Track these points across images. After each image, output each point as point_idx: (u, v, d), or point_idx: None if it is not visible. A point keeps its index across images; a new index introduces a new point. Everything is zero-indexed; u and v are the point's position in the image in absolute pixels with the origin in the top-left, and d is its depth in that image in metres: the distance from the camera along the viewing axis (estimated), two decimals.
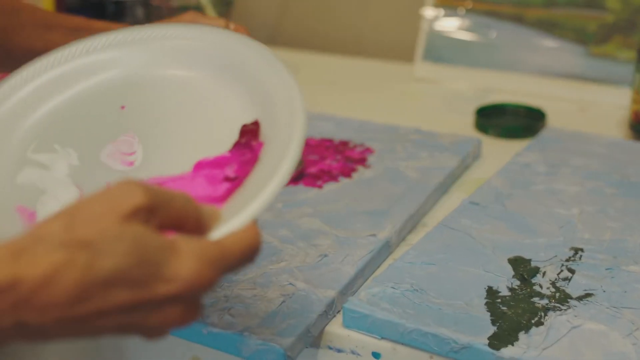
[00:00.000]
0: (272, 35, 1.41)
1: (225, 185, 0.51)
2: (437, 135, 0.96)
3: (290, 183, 0.85)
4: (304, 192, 0.84)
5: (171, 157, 0.55)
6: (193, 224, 0.45)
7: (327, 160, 0.90)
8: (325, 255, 0.73)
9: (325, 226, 0.77)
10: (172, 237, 0.43)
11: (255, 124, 0.54)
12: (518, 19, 1.16)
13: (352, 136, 0.97)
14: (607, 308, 0.65)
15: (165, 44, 0.59)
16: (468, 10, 1.19)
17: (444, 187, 0.87)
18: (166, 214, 0.44)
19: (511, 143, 0.99)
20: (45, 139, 0.56)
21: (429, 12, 1.21)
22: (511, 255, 0.72)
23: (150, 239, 0.42)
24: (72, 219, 0.41)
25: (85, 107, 0.57)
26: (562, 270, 0.70)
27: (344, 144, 0.94)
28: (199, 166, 0.53)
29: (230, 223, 0.46)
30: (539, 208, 0.80)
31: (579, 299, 0.66)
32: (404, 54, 1.29)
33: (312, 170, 0.88)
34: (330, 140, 0.95)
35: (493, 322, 0.63)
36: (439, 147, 0.93)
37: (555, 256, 0.72)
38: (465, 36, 1.19)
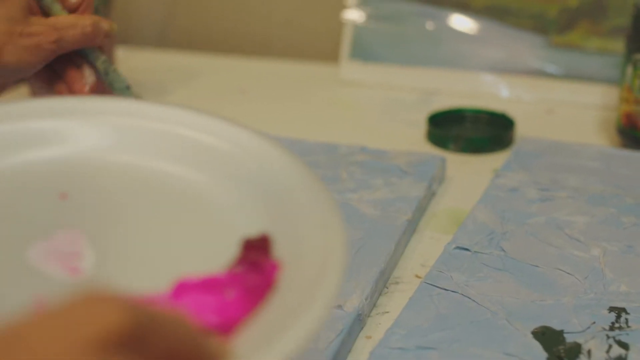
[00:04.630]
0: (161, 34, 1.17)
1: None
2: (390, 155, 0.75)
3: None
4: None
5: (137, 267, 0.39)
6: None
7: None
8: None
9: None
10: None
11: (263, 240, 0.40)
12: (463, 7, 0.96)
13: None
14: None
15: (138, 125, 0.46)
16: None
17: (412, 226, 0.67)
18: (156, 345, 0.28)
19: (477, 159, 0.80)
20: None
21: (354, 1, 1.00)
22: (535, 326, 0.52)
23: None
24: (7, 353, 0.26)
25: (9, 189, 0.42)
26: (610, 346, 0.50)
27: None
28: (182, 288, 0.37)
29: None
30: (549, 251, 0.61)
31: None
32: (324, 53, 1.08)
33: None
34: None
35: None
36: (395, 171, 0.72)
37: (594, 323, 0.53)
38: (401, 29, 0.98)
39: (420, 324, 0.53)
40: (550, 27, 0.93)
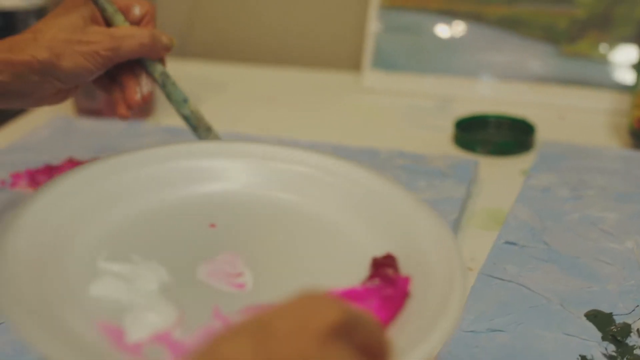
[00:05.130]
0: (181, 45, 1.22)
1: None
2: (427, 158, 0.82)
3: None
4: None
5: (288, 283, 0.46)
6: (376, 353, 0.36)
7: None
8: None
9: None
10: None
11: (389, 258, 0.47)
12: (477, 18, 1.03)
13: None
14: None
15: (280, 167, 0.55)
16: (420, 10, 1.05)
17: (457, 224, 0.73)
18: (359, 336, 0.35)
19: (504, 161, 0.86)
20: (119, 247, 0.47)
21: (374, 12, 1.07)
22: (587, 310, 0.59)
23: None
24: (261, 341, 0.33)
25: (170, 217, 0.50)
26: None
27: None
28: None
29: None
30: (587, 244, 0.67)
31: None
32: (344, 62, 1.14)
33: None
34: None
35: None
36: (435, 174, 0.79)
37: (638, 306, 0.60)
38: (418, 38, 1.05)
39: (486, 310, 0.59)
40: (560, 37, 1.01)
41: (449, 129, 0.93)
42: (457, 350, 0.55)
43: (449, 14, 1.04)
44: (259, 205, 0.52)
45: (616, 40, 0.98)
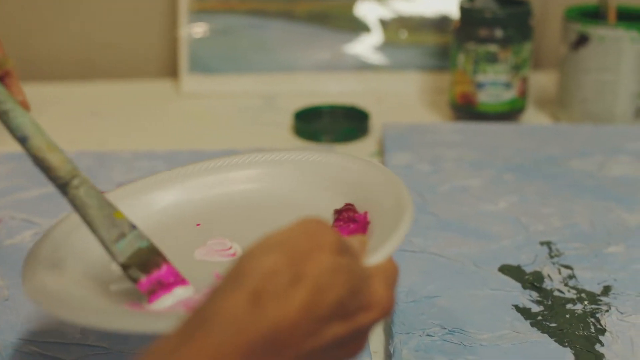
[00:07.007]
0: None
1: None
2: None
3: None
4: None
5: None
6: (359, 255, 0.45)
7: None
8: None
9: None
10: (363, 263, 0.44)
11: (347, 205, 0.55)
12: (288, 15, 1.07)
13: None
14: (638, 296, 0.61)
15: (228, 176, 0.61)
16: (231, 12, 1.07)
17: None
18: (351, 252, 0.43)
19: (349, 147, 0.91)
20: None
21: (185, 18, 1.07)
22: (497, 266, 0.66)
23: (355, 267, 0.42)
24: (290, 256, 0.39)
25: (162, 227, 0.57)
26: (559, 269, 0.65)
27: None
28: None
29: (383, 251, 0.45)
30: (468, 210, 0.74)
31: (604, 294, 0.62)
32: (160, 70, 1.13)
33: None
34: None
35: (560, 343, 0.57)
36: None
37: (537, 256, 0.67)
38: (234, 40, 1.07)
39: (414, 281, 0.64)
40: (364, 27, 1.07)
41: (284, 123, 0.97)
42: (408, 320, 0.59)
43: (259, 14, 1.07)
44: (229, 202, 0.59)
45: (416, 26, 1.07)
